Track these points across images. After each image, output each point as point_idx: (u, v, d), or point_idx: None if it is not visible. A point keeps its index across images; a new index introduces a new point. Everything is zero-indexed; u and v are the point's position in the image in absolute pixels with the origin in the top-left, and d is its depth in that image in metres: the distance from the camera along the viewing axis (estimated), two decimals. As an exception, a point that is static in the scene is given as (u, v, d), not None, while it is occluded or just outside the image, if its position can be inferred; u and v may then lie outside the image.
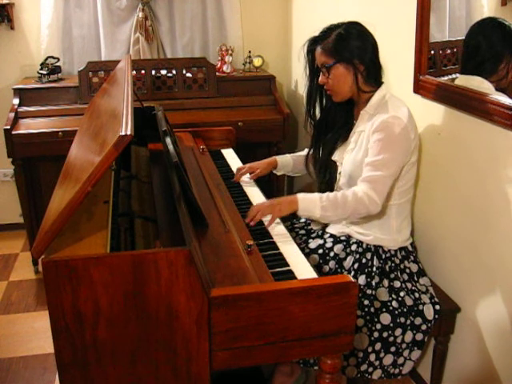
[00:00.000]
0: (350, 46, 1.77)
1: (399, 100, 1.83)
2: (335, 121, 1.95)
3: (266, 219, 1.76)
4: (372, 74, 1.81)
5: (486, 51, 1.69)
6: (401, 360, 1.79)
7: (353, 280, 1.35)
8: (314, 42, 1.86)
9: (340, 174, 1.93)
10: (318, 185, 2.03)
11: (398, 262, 1.86)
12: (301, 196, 1.76)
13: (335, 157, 1.96)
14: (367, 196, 1.70)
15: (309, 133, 2.05)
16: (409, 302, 1.79)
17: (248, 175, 2.14)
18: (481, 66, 1.70)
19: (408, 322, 1.77)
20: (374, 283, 1.80)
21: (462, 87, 1.75)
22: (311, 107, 1.98)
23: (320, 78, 1.86)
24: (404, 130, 1.73)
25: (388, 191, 1.76)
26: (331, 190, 1.97)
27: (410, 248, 1.91)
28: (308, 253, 1.86)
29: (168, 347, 1.32)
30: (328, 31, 1.82)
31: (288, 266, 1.54)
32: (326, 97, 1.95)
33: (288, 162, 2.18)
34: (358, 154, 1.82)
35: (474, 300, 1.80)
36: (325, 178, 2.00)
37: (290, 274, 1.50)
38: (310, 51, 1.88)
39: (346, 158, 1.89)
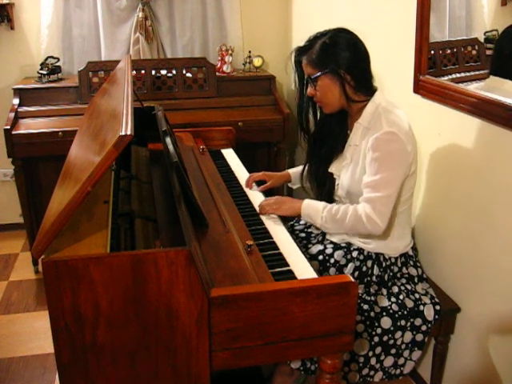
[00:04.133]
0: (334, 55, 1.70)
1: (394, 108, 1.75)
2: (330, 132, 1.89)
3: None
4: (362, 84, 1.75)
5: None
6: (401, 361, 1.79)
7: (352, 280, 1.35)
8: (299, 53, 1.80)
9: (338, 185, 1.89)
10: (316, 197, 1.97)
11: (396, 269, 1.85)
12: (306, 202, 1.81)
13: (332, 169, 1.91)
14: (366, 216, 1.67)
15: (304, 149, 1.99)
16: (409, 303, 1.79)
17: (256, 186, 2.09)
18: None
19: (408, 323, 1.77)
20: (372, 291, 1.79)
21: (462, 88, 1.75)
22: (303, 120, 1.91)
23: (308, 90, 1.80)
24: (400, 145, 1.67)
25: (391, 210, 1.70)
26: (331, 200, 1.94)
27: (411, 252, 1.90)
28: (308, 258, 1.84)
29: (168, 347, 1.32)
30: (313, 41, 1.75)
31: (288, 266, 1.54)
32: (318, 108, 1.89)
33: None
34: (356, 170, 1.78)
35: (474, 300, 1.80)
36: (323, 190, 1.95)
37: (290, 274, 1.49)
38: (298, 62, 1.82)
39: (343, 172, 1.85)
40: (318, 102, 1.81)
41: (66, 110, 2.99)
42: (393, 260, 1.84)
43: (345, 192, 1.85)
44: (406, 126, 1.72)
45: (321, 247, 1.89)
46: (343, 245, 1.87)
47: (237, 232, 1.65)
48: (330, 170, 1.91)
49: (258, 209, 1.89)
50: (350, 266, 1.82)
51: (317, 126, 1.93)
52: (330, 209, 1.75)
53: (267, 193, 2.07)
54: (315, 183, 1.98)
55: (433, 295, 1.85)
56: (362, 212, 1.68)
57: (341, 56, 1.71)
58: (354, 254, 1.84)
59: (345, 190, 1.84)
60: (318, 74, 1.73)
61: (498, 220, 1.65)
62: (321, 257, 1.85)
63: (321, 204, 1.79)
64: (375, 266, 1.82)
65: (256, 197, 1.99)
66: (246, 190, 2.06)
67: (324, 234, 1.96)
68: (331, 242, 1.90)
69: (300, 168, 2.13)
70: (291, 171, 2.15)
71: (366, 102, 1.77)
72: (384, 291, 1.81)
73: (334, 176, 1.91)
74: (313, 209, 1.79)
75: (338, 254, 1.85)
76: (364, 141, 1.75)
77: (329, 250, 1.86)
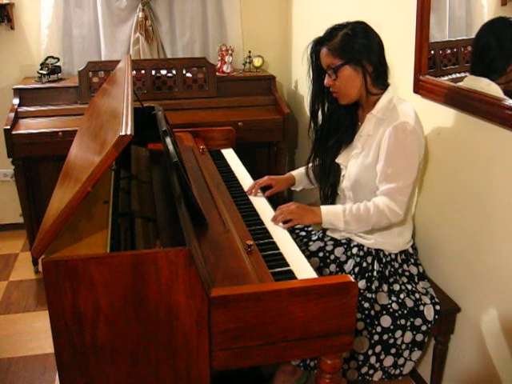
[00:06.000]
0: (357, 45, 1.72)
1: (406, 103, 1.79)
2: (339, 124, 1.90)
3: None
4: (380, 75, 1.77)
5: (495, 51, 1.65)
6: (401, 361, 1.79)
7: (352, 280, 1.35)
8: (318, 43, 1.79)
9: (343, 176, 1.90)
10: (321, 189, 1.99)
11: (397, 266, 1.85)
12: (324, 209, 1.79)
13: (339, 160, 1.91)
14: (388, 208, 1.71)
15: (311, 139, 1.99)
16: (409, 303, 1.79)
17: (260, 193, 2.04)
18: (490, 66, 1.67)
19: (408, 323, 1.77)
20: (373, 287, 1.79)
21: (463, 87, 1.75)
22: (315, 110, 1.91)
23: (326, 80, 1.79)
24: (415, 135, 1.70)
25: (408, 198, 1.74)
26: (334, 192, 1.95)
27: (411, 250, 1.90)
28: (308, 255, 1.85)
29: (168, 347, 1.32)
30: (334, 31, 1.76)
31: (288, 266, 1.54)
32: (329, 100, 1.89)
33: (304, 177, 2.12)
34: (367, 159, 1.79)
35: (474, 300, 1.80)
36: (328, 181, 1.95)
37: (290, 274, 1.49)
38: (315, 52, 1.81)
39: (351, 161, 1.85)
40: (336, 92, 1.80)
41: (66, 109, 2.99)
42: (393, 256, 1.85)
43: (351, 182, 1.84)
44: (418, 119, 1.76)
45: (321, 244, 1.90)
46: (343, 241, 1.89)
47: (237, 232, 1.65)
48: (337, 161, 1.92)
49: (270, 213, 1.85)
50: (350, 262, 1.84)
51: (326, 118, 1.93)
52: (351, 210, 1.75)
53: (271, 197, 2.04)
54: (320, 174, 1.98)
55: (433, 295, 1.85)
56: (383, 206, 1.71)
57: (363, 46, 1.72)
58: (354, 250, 1.85)
59: (352, 179, 1.84)
60: (341, 63, 1.74)
61: (498, 220, 1.65)
62: (321, 253, 1.87)
63: (339, 208, 1.79)
64: (375, 262, 1.83)
65: (259, 201, 1.97)
66: (246, 190, 2.05)
67: (324, 231, 1.96)
68: (331, 239, 1.91)
69: (301, 169, 2.13)
70: (294, 174, 2.14)
71: (380, 95, 1.79)
72: (385, 287, 1.81)
73: (341, 167, 1.91)
74: (333, 214, 1.78)
75: (339, 251, 1.87)
76: (380, 131, 1.76)
77: (329, 247, 1.88)
